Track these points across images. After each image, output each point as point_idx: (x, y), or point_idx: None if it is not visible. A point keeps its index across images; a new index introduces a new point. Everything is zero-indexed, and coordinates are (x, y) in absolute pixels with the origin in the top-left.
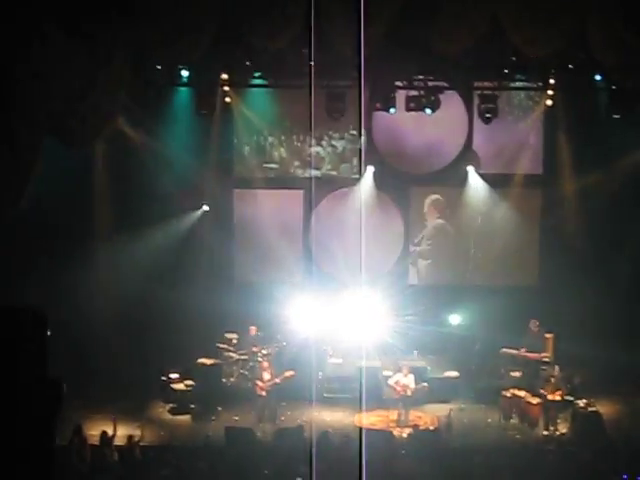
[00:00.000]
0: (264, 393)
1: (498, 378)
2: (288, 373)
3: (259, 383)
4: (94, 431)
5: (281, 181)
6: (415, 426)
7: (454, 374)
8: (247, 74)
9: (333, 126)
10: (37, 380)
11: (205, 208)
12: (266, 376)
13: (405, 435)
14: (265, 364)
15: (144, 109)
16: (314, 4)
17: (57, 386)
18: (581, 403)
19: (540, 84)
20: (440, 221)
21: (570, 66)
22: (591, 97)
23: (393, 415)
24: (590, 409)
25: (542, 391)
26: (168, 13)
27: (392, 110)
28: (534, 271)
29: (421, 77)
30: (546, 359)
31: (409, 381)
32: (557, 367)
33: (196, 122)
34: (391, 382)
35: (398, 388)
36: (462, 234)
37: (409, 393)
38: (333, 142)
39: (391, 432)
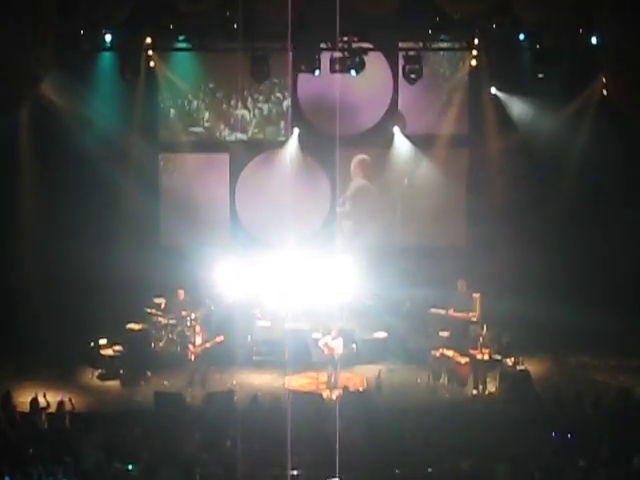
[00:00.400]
0: (194, 357)
1: (427, 338)
2: (218, 338)
3: (190, 347)
4: (23, 398)
5: (207, 145)
6: (344, 388)
7: (383, 335)
8: (171, 37)
9: (258, 88)
10: None
11: (131, 172)
12: (198, 340)
13: (334, 397)
14: (197, 328)
15: (68, 74)
16: None
17: None
18: (509, 362)
19: (464, 44)
20: (363, 181)
21: (494, 26)
22: (515, 56)
23: (323, 377)
24: (518, 367)
25: (470, 351)
26: None
27: (317, 72)
28: (461, 231)
29: (345, 38)
30: (474, 319)
31: (337, 344)
32: (485, 326)
33: (121, 86)
34: (320, 343)
35: (326, 350)
36: (388, 195)
37: (337, 356)
38: (259, 105)
39: (320, 394)
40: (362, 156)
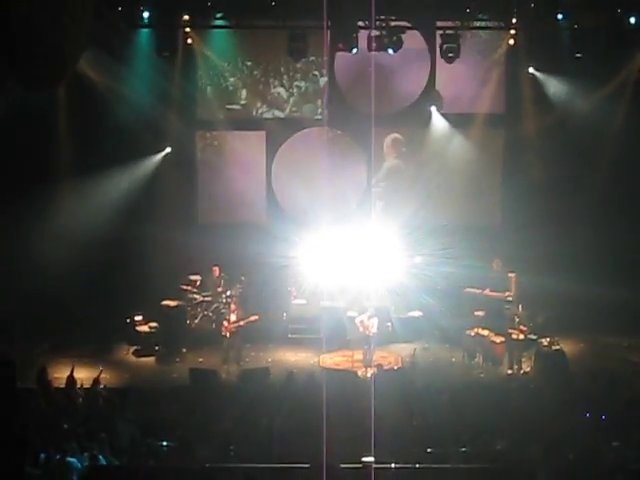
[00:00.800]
0: (229, 334)
1: (462, 317)
2: (253, 317)
3: (225, 324)
4: (59, 374)
5: (244, 122)
6: (379, 366)
7: (418, 314)
8: (209, 15)
9: (295, 67)
10: None
11: (168, 150)
12: (233, 317)
13: (369, 375)
14: (233, 306)
15: (106, 51)
16: None
17: (9, 365)
18: (544, 342)
19: (502, 23)
20: (395, 162)
21: (532, 5)
22: (553, 36)
23: (358, 355)
24: (554, 347)
25: (507, 330)
26: None
27: (354, 50)
28: (496, 210)
29: (383, 17)
30: (509, 298)
31: (373, 323)
32: (520, 306)
33: (158, 64)
34: (357, 321)
35: (361, 328)
36: (424, 174)
37: (371, 334)
38: (296, 83)
39: (355, 372)
40: (394, 135)
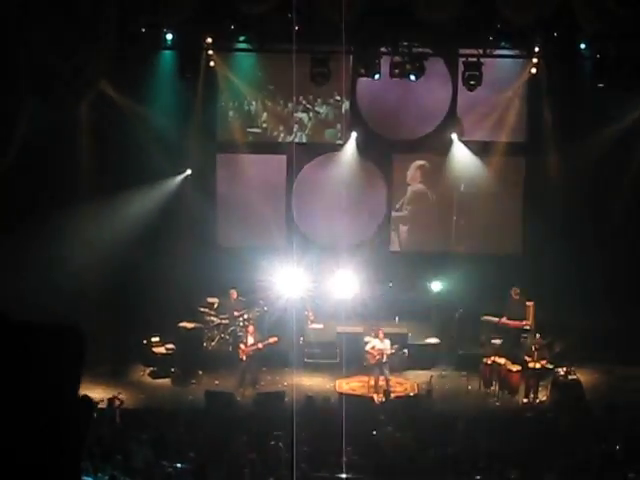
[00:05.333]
0: (245, 357)
1: (479, 345)
2: (272, 339)
3: (242, 347)
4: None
5: (264, 146)
6: (395, 392)
7: (435, 341)
8: (232, 38)
9: (317, 91)
10: (70, 401)
11: (188, 172)
12: (250, 340)
13: (385, 401)
14: (250, 328)
15: (128, 72)
16: None
17: (89, 407)
18: (561, 371)
19: (525, 52)
20: (420, 186)
21: (555, 34)
22: (575, 65)
23: (374, 381)
24: (570, 377)
25: (523, 359)
26: None
27: (376, 76)
28: (517, 239)
29: (406, 43)
30: (527, 327)
31: (385, 346)
32: (538, 335)
33: (180, 86)
34: (368, 348)
35: (375, 353)
36: (445, 201)
37: (385, 359)
38: (317, 108)
39: (371, 398)
40: (421, 162)
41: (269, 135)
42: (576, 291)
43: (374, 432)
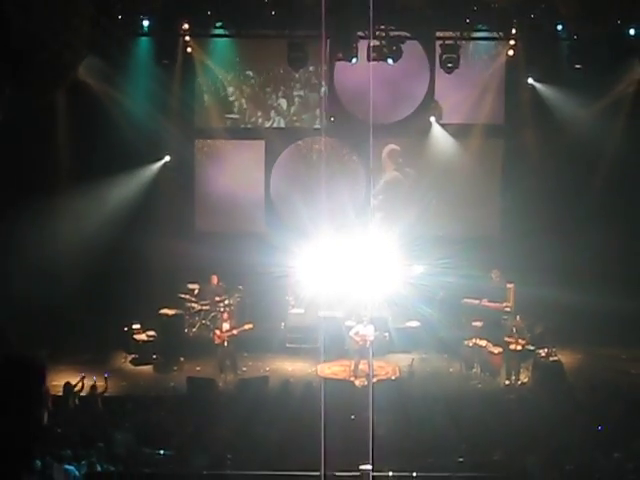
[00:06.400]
0: (225, 343)
1: (460, 328)
2: (247, 325)
3: (217, 333)
4: (57, 382)
5: (243, 131)
6: (377, 376)
7: (416, 324)
8: (209, 24)
9: (295, 76)
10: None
11: (166, 158)
12: (225, 326)
13: (367, 385)
14: (225, 315)
15: (106, 58)
16: None
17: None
18: (543, 353)
19: (502, 34)
20: (394, 174)
21: (532, 16)
22: (552, 47)
23: (354, 365)
24: (551, 358)
25: (504, 341)
26: None
27: (354, 60)
28: (495, 221)
29: (383, 27)
30: (507, 309)
31: (369, 331)
32: (518, 317)
33: (157, 72)
34: (352, 333)
35: (358, 339)
36: (423, 184)
37: (368, 344)
38: (295, 92)
39: (353, 382)
40: (391, 146)
41: (247, 120)
42: (556, 272)
43: (352, 417)
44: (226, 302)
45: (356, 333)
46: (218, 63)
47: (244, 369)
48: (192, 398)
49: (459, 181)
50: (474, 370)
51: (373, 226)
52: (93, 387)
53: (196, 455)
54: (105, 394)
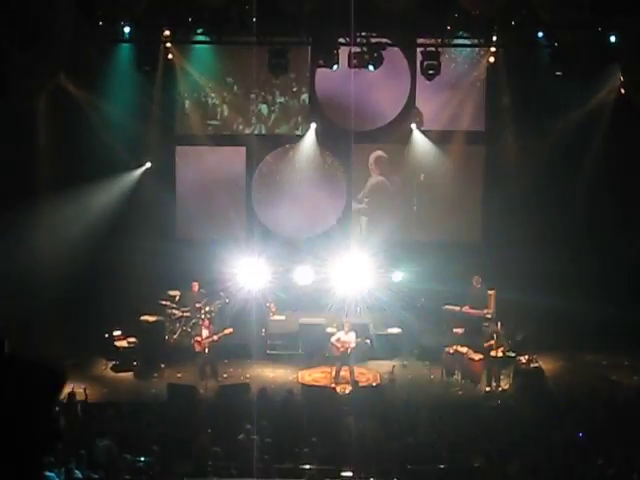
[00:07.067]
0: (205, 350)
1: (441, 334)
2: (227, 330)
3: (198, 339)
4: None
5: (224, 138)
6: (358, 382)
7: (397, 331)
8: (190, 30)
9: (276, 83)
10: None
11: (147, 164)
12: (205, 333)
13: (347, 391)
14: (206, 322)
15: (86, 65)
16: None
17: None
18: (523, 359)
19: (482, 41)
20: (379, 178)
21: (513, 22)
22: (533, 54)
23: (335, 372)
24: (532, 365)
25: (485, 347)
26: None
27: (335, 67)
28: (477, 228)
29: (364, 33)
30: (488, 315)
31: (350, 338)
32: (499, 323)
33: (139, 79)
34: (333, 340)
35: (339, 345)
36: (405, 191)
37: (349, 351)
38: (276, 99)
39: (334, 388)
40: (379, 152)
41: (228, 127)
42: (537, 279)
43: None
44: (207, 309)
45: (337, 340)
46: (199, 70)
47: (225, 376)
48: (173, 405)
49: (440, 188)
50: (455, 377)
51: (356, 232)
52: (72, 393)
53: (177, 462)
54: (85, 401)
